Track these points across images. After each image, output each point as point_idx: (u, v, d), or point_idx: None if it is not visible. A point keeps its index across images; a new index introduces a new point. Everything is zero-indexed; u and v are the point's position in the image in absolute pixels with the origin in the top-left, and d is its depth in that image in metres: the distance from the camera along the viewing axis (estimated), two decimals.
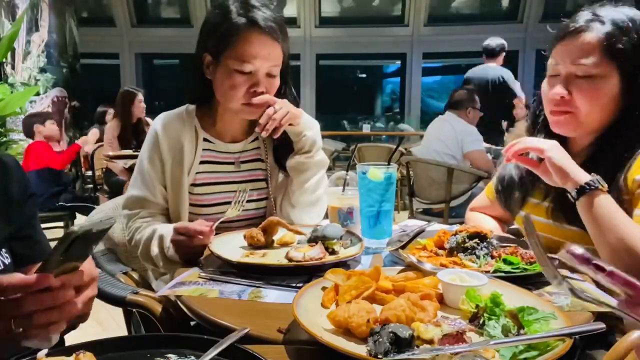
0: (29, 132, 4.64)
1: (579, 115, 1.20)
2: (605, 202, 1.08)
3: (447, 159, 3.70)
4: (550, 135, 1.28)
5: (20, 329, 0.67)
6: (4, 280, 0.65)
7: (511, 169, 1.40)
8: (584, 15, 1.20)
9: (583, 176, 1.10)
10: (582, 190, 1.08)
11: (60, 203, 4.22)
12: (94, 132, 5.54)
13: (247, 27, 1.32)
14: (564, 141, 1.28)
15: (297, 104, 1.47)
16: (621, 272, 0.45)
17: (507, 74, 4.93)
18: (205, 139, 1.47)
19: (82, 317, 0.77)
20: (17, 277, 0.66)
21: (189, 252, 1.23)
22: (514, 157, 1.21)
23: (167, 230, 1.30)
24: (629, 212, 1.11)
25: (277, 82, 1.40)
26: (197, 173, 1.44)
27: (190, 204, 1.44)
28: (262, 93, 1.36)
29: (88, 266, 0.75)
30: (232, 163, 1.49)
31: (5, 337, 0.67)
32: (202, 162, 1.46)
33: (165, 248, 1.29)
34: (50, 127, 4.62)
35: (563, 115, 1.22)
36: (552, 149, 1.14)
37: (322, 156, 1.50)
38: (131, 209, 1.44)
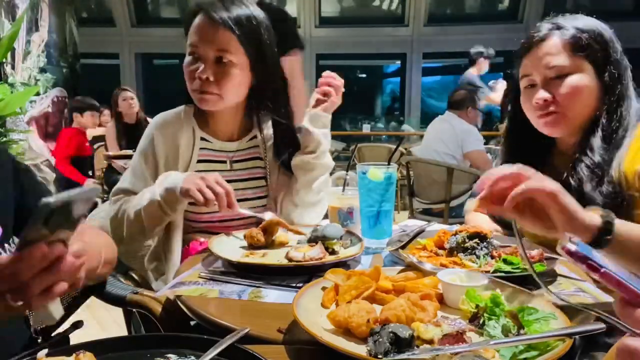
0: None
1: (565, 112, 1.22)
2: (630, 229, 0.90)
3: (447, 159, 3.70)
4: (535, 139, 1.30)
5: (20, 302, 0.64)
6: None
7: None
8: (545, 26, 1.25)
9: (595, 218, 0.89)
10: (606, 232, 0.88)
11: None
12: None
13: (197, 13, 1.37)
14: (552, 143, 1.32)
15: (288, 110, 1.51)
16: (613, 273, 0.45)
17: (471, 77, 5.22)
18: (202, 138, 1.48)
19: (74, 285, 0.71)
20: (2, 257, 0.63)
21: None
22: (513, 206, 0.87)
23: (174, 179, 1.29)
24: (632, 208, 1.10)
25: (232, 72, 1.37)
26: (194, 172, 1.43)
27: (189, 203, 1.40)
28: (207, 80, 1.35)
29: (88, 237, 0.74)
30: (224, 162, 1.50)
31: (6, 312, 0.65)
32: (199, 161, 1.47)
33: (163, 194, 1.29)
34: (87, 117, 4.75)
35: (551, 115, 1.23)
36: (564, 192, 0.88)
37: (328, 159, 1.51)
38: (115, 200, 1.44)
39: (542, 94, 1.22)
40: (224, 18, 1.34)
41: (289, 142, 1.51)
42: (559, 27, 1.23)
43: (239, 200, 1.44)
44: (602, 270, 0.45)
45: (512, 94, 1.37)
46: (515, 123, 1.36)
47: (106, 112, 5.88)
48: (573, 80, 1.20)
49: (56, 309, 0.70)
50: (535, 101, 1.24)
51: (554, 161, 1.32)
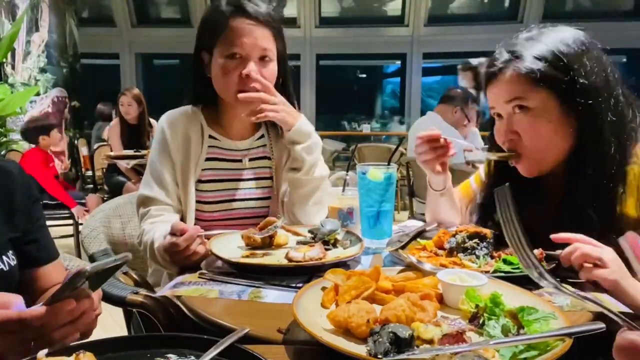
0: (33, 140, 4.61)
1: (530, 154, 1.16)
2: None
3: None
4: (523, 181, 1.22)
5: (40, 349, 0.68)
6: (27, 316, 0.68)
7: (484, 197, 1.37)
8: (502, 55, 1.17)
9: None
10: None
11: (45, 201, 4.19)
12: (107, 131, 5.50)
13: (234, 13, 1.34)
14: (538, 184, 1.23)
15: (293, 104, 1.45)
16: None
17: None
18: (210, 136, 1.46)
19: (87, 333, 0.79)
20: (37, 310, 0.68)
21: (181, 260, 1.17)
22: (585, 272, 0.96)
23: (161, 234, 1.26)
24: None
25: (274, 68, 1.39)
26: (202, 170, 1.44)
27: (197, 201, 1.43)
28: (255, 81, 1.33)
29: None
30: (239, 160, 1.48)
31: (23, 355, 0.68)
32: (207, 159, 1.45)
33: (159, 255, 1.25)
34: (54, 137, 4.62)
35: (520, 160, 1.18)
36: (619, 268, 0.94)
37: (319, 172, 1.44)
38: (142, 208, 1.42)
39: (507, 135, 1.17)
40: (264, 15, 1.35)
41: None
42: (516, 56, 1.13)
43: (244, 200, 1.47)
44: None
45: (489, 122, 1.30)
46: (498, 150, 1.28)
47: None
48: (535, 115, 1.11)
49: None
50: (501, 140, 1.20)
51: (546, 185, 1.25)
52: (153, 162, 1.44)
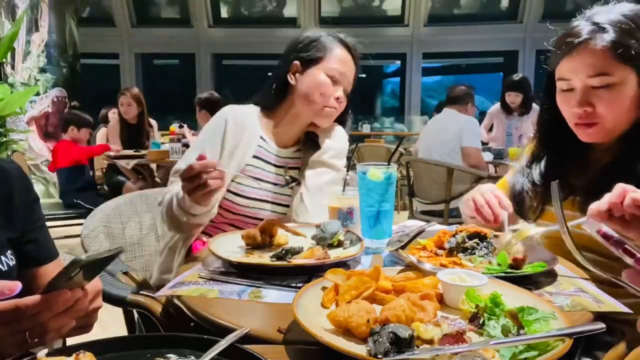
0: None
1: (605, 124, 1.18)
2: None
3: (446, 159, 3.69)
4: (573, 142, 1.26)
5: (36, 339, 0.69)
6: (21, 304, 0.68)
7: (521, 181, 1.37)
8: (584, 26, 1.16)
9: None
10: None
11: (78, 201, 4.28)
12: (102, 132, 5.53)
13: (343, 44, 1.57)
14: (588, 147, 1.27)
15: (345, 121, 1.69)
16: None
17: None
18: (261, 137, 1.56)
19: (87, 327, 0.79)
20: (31, 299, 0.68)
21: (195, 192, 1.19)
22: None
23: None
24: None
25: (345, 101, 1.56)
26: (246, 165, 1.51)
27: (229, 191, 1.48)
28: (338, 99, 1.53)
29: (94, 280, 0.78)
30: (281, 166, 1.58)
31: (19, 348, 0.68)
32: (254, 157, 1.53)
33: (180, 202, 1.30)
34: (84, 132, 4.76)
35: (590, 127, 1.19)
36: None
37: (335, 162, 1.59)
38: (172, 177, 1.47)
39: (582, 106, 1.17)
40: (358, 55, 1.63)
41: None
42: (601, 29, 1.14)
43: (271, 203, 1.54)
44: (638, 256, 0.46)
45: (546, 87, 1.30)
46: (550, 117, 1.31)
47: (114, 110, 5.84)
48: (616, 91, 1.14)
49: (56, 342, 0.76)
50: (573, 111, 1.19)
51: (591, 156, 1.28)
52: (201, 141, 1.52)
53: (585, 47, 1.15)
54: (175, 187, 1.38)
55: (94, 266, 0.72)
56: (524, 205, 1.37)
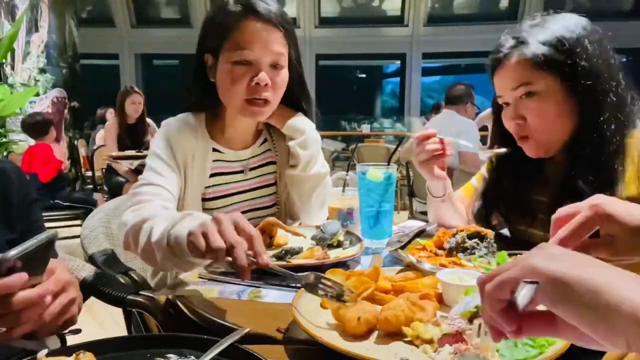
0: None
1: (536, 135, 1.19)
2: None
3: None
4: (527, 158, 1.25)
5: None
6: None
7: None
8: (505, 42, 1.19)
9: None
10: None
11: (56, 200, 4.25)
12: (101, 134, 5.52)
13: (244, 14, 1.21)
14: (540, 162, 1.27)
15: (307, 110, 1.42)
16: None
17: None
18: (214, 149, 1.36)
19: (68, 321, 0.75)
20: None
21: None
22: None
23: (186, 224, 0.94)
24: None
25: (285, 75, 1.28)
26: (206, 187, 1.34)
27: (206, 210, 1.34)
28: (265, 87, 1.23)
29: (58, 273, 0.73)
30: (241, 171, 1.40)
31: None
32: (211, 175, 1.35)
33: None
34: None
35: (526, 141, 1.21)
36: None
37: (317, 169, 1.41)
38: (137, 199, 1.21)
39: (514, 119, 1.19)
40: (276, 15, 1.22)
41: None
42: (521, 42, 1.16)
43: (250, 211, 1.40)
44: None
45: (495, 107, 1.33)
46: (501, 135, 1.32)
47: (111, 110, 5.82)
48: (542, 100, 1.15)
49: (53, 342, 0.72)
50: (509, 124, 1.22)
51: (548, 171, 1.29)
52: (154, 162, 1.27)
53: (508, 60, 1.18)
54: (159, 220, 1.04)
55: (34, 259, 0.66)
56: (488, 217, 1.38)
